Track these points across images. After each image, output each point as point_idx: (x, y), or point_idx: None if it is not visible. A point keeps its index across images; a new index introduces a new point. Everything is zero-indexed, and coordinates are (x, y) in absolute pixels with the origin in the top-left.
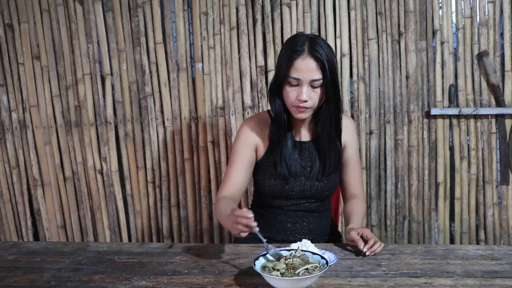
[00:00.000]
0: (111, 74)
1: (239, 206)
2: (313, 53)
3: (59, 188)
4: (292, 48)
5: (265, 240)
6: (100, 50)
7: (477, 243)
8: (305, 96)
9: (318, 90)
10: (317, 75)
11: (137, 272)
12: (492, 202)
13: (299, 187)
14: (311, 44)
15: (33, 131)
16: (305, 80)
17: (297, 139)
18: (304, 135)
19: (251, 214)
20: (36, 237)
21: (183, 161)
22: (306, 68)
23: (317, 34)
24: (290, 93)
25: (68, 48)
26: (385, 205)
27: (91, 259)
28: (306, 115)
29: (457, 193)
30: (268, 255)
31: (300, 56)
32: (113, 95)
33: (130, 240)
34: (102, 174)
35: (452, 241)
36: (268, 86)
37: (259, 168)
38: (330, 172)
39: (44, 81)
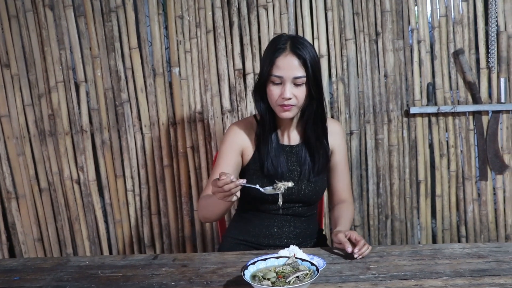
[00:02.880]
0: (86, 81)
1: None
2: (295, 50)
3: (34, 200)
4: (274, 47)
5: (257, 185)
6: (73, 57)
7: (459, 239)
8: (288, 93)
9: (302, 88)
10: (300, 72)
11: (122, 286)
12: (472, 198)
13: (286, 191)
14: (293, 42)
15: (5, 142)
16: (288, 77)
17: (285, 143)
18: (292, 139)
19: (231, 177)
20: (11, 251)
21: (163, 167)
22: (288, 65)
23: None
24: (274, 91)
25: (40, 55)
26: (368, 205)
27: (73, 275)
28: (291, 114)
29: (438, 191)
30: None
31: (282, 54)
32: (88, 102)
33: (110, 250)
34: (79, 184)
35: (434, 238)
36: (253, 87)
37: (246, 173)
38: (319, 171)
39: (15, 90)
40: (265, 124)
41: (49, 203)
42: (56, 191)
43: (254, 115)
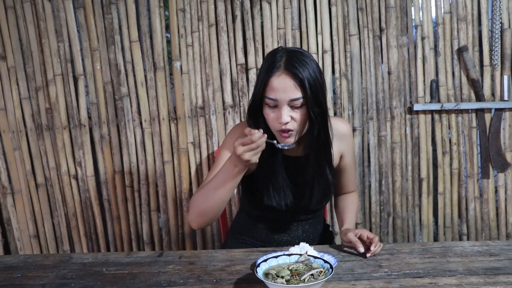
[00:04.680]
0: (84, 74)
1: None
2: (290, 69)
3: (31, 196)
4: (267, 64)
5: (275, 141)
6: (72, 49)
7: (460, 237)
8: (285, 118)
9: (300, 110)
10: (296, 93)
11: (129, 284)
12: (473, 196)
13: (291, 206)
14: (289, 59)
15: (0, 136)
16: (283, 100)
17: (287, 153)
18: (296, 149)
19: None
20: (6, 248)
21: (163, 163)
22: (283, 86)
23: (298, 30)
24: (270, 115)
25: (37, 47)
26: (370, 203)
27: (77, 272)
28: (292, 141)
29: (440, 188)
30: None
31: (276, 73)
32: (86, 96)
33: (108, 248)
34: (77, 179)
35: (435, 236)
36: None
37: (253, 182)
38: (318, 201)
39: (11, 83)
40: (264, 153)
41: (45, 198)
42: (53, 186)
43: None
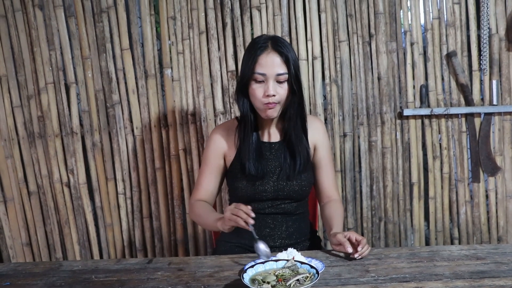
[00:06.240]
0: (76, 82)
1: None
2: (277, 48)
3: (23, 204)
4: (255, 46)
5: (257, 237)
6: (64, 58)
7: (451, 241)
8: (271, 90)
9: (284, 85)
10: (282, 69)
11: None
12: (464, 200)
13: (272, 187)
14: (274, 41)
15: None
16: (271, 74)
17: (266, 140)
18: (272, 136)
19: (251, 213)
20: None
21: (154, 170)
22: (271, 62)
23: (288, 37)
24: (257, 90)
25: (29, 56)
26: (361, 208)
27: (66, 280)
28: (275, 113)
29: (431, 193)
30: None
31: (264, 52)
32: (78, 104)
33: (101, 255)
34: (69, 187)
35: (427, 240)
36: (235, 87)
37: (231, 173)
38: (300, 170)
39: (3, 91)
40: (247, 123)
41: (38, 206)
42: (45, 194)
43: (237, 117)
